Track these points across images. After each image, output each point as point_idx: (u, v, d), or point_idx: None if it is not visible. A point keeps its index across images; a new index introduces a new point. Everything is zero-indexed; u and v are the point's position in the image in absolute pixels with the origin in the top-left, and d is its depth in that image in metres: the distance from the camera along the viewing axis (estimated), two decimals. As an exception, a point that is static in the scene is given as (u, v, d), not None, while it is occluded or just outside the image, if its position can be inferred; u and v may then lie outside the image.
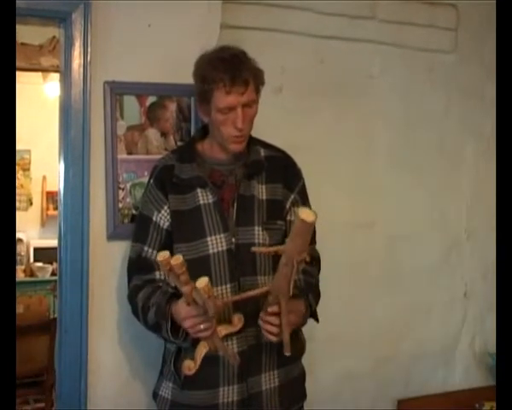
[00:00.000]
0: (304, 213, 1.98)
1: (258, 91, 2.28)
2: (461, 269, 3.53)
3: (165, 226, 2.33)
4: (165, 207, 2.33)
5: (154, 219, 2.34)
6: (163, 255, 1.95)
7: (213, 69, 2.21)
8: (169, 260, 1.94)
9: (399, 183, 3.32)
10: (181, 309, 2.08)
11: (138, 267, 2.36)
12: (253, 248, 2.22)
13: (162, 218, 2.33)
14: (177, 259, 1.94)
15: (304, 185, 2.46)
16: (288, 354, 2.13)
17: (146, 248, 2.34)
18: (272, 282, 2.15)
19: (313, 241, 2.45)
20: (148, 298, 2.25)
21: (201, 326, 2.06)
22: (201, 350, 2.15)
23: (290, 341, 2.14)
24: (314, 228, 2.44)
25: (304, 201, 2.43)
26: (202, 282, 1.94)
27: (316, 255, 2.44)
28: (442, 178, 3.46)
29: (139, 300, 2.29)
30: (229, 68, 2.18)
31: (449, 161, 3.47)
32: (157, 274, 2.31)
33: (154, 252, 2.31)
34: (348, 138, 3.21)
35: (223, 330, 2.16)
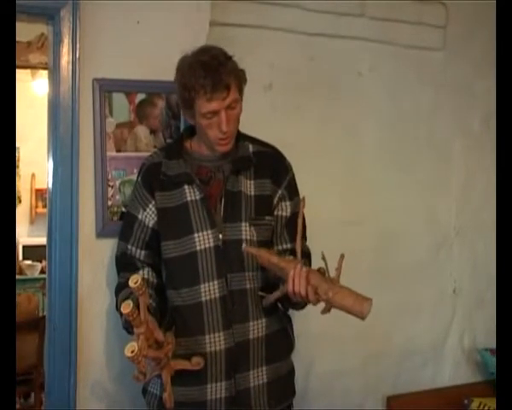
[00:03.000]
0: (369, 306, 2.11)
1: (240, 91, 2.27)
2: (450, 266, 3.55)
3: (150, 225, 2.34)
4: (151, 206, 2.34)
5: (139, 217, 2.35)
6: (134, 280, 1.98)
7: (193, 76, 2.18)
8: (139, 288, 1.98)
9: (388, 180, 3.33)
10: None
11: (123, 265, 2.39)
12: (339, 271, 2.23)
13: (147, 216, 2.34)
14: (126, 307, 1.95)
15: (292, 179, 2.46)
16: (265, 301, 2.23)
17: (130, 247, 2.36)
18: (295, 259, 2.18)
19: (303, 237, 2.45)
20: (123, 301, 2.25)
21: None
22: (151, 372, 2.14)
23: (279, 337, 2.16)
24: (305, 224, 2.46)
25: (292, 195, 2.42)
26: (127, 351, 1.93)
27: (306, 251, 2.44)
28: (431, 175, 3.46)
29: (119, 299, 2.31)
30: (209, 74, 2.16)
31: (438, 158, 3.48)
32: (140, 273, 2.31)
33: (138, 251, 2.36)
34: (337, 135, 3.22)
35: (178, 364, 2.15)
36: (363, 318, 2.10)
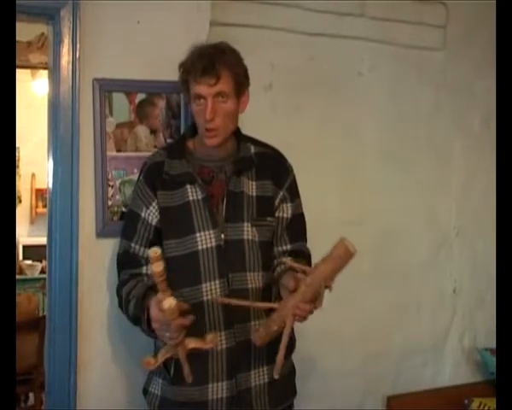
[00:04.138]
0: (348, 243, 2.03)
1: (237, 87, 2.27)
2: (450, 266, 3.55)
3: (153, 223, 2.33)
4: (154, 204, 2.33)
5: (142, 215, 2.34)
6: (154, 251, 1.93)
7: (190, 58, 2.25)
8: (158, 259, 1.93)
9: (388, 180, 3.33)
10: (152, 308, 2.07)
11: (125, 263, 2.37)
12: (288, 263, 2.22)
13: (151, 214, 2.33)
14: (159, 266, 1.92)
15: (293, 181, 2.46)
16: (276, 376, 2.15)
17: (133, 245, 2.34)
18: (284, 301, 2.16)
19: (304, 238, 2.46)
20: (129, 291, 2.25)
21: (167, 334, 2.06)
22: (164, 353, 2.14)
23: (280, 337, 2.15)
24: (305, 225, 2.46)
25: (293, 197, 2.43)
26: (166, 303, 1.92)
27: (307, 253, 2.44)
28: (431, 175, 3.47)
29: (123, 292, 2.29)
30: (203, 59, 2.21)
31: (438, 158, 3.49)
32: (143, 269, 2.32)
33: (142, 248, 2.33)
34: (337, 135, 3.22)
35: (191, 343, 2.13)
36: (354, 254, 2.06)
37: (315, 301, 2.11)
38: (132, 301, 2.22)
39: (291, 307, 2.10)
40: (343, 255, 2.05)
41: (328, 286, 2.09)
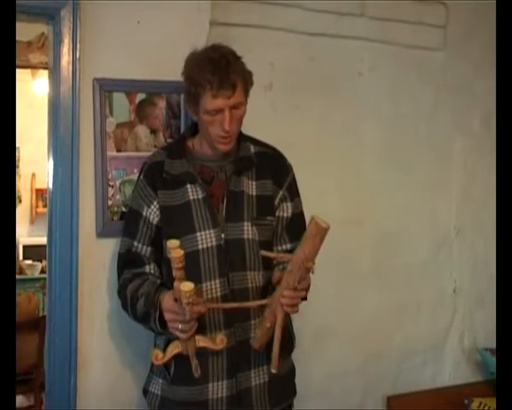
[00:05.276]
0: (319, 219, 2.03)
1: (246, 93, 2.28)
2: (450, 265, 3.55)
3: (154, 222, 2.33)
4: (155, 203, 2.33)
5: (143, 214, 2.34)
6: (173, 242, 1.96)
7: (201, 71, 2.20)
8: (177, 247, 1.95)
9: (388, 180, 3.33)
10: (166, 300, 2.10)
11: (128, 262, 2.36)
12: (262, 252, 2.24)
13: (152, 213, 2.33)
14: (178, 252, 1.94)
15: (293, 180, 2.47)
16: (274, 371, 2.16)
17: (136, 244, 2.35)
18: (272, 295, 2.17)
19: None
20: (137, 289, 2.25)
21: (180, 326, 2.07)
22: (173, 348, 2.16)
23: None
24: (305, 224, 2.46)
25: (293, 196, 2.43)
26: (185, 286, 1.93)
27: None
28: (431, 175, 3.46)
29: (128, 292, 2.29)
30: (216, 71, 2.17)
31: (438, 158, 3.48)
32: (147, 268, 2.32)
33: (144, 247, 2.34)
34: (337, 135, 3.22)
35: (201, 341, 2.15)
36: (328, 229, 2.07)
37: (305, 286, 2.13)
38: (142, 298, 2.22)
39: (278, 298, 2.12)
40: (316, 233, 2.06)
41: (309, 268, 2.10)
